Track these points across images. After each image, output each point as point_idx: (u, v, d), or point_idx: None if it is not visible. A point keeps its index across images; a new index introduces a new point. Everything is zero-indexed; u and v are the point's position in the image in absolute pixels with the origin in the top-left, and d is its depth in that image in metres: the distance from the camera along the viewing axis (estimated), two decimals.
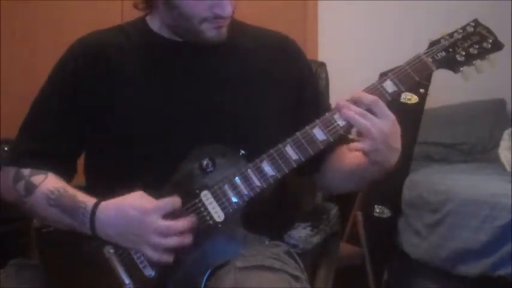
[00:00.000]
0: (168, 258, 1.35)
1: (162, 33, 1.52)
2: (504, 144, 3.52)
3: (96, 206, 1.38)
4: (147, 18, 1.55)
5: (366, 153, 1.37)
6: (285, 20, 3.47)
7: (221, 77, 1.51)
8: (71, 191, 1.43)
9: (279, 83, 1.53)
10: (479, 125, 3.82)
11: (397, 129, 1.37)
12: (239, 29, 1.56)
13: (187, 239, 1.36)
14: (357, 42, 3.79)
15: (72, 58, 1.52)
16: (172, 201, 1.36)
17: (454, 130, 3.76)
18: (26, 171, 1.46)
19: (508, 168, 3.39)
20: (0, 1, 3.11)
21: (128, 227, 1.35)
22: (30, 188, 1.44)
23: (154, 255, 1.35)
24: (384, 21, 3.85)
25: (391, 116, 1.36)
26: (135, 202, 1.36)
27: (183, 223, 1.35)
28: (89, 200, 1.40)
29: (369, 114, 1.35)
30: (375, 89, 1.40)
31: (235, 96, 1.50)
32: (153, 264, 1.37)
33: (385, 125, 1.35)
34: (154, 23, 1.53)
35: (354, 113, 1.35)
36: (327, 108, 1.59)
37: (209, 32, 1.44)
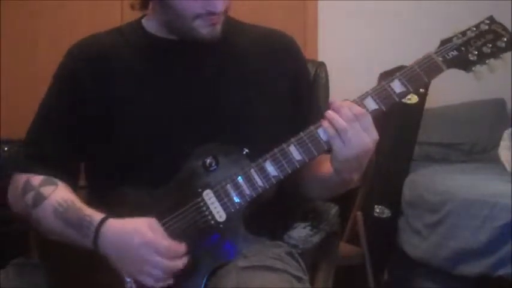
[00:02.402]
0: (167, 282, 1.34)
1: (158, 34, 1.52)
2: (504, 144, 3.52)
3: (102, 221, 1.36)
4: (143, 20, 1.56)
5: (334, 151, 1.35)
6: (285, 20, 3.47)
7: (220, 75, 1.50)
8: (79, 204, 1.40)
9: (278, 80, 1.53)
10: (479, 125, 3.82)
11: (370, 151, 1.35)
12: (236, 27, 1.56)
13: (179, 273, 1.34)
14: (357, 42, 3.79)
15: (71, 61, 1.52)
16: (179, 247, 1.34)
17: (454, 130, 3.76)
18: (37, 181, 1.44)
19: (508, 168, 3.39)
20: (0, 1, 3.11)
21: (128, 252, 1.33)
22: (39, 199, 1.42)
23: (152, 284, 1.33)
24: (384, 21, 3.86)
25: (375, 135, 1.35)
26: (143, 231, 1.33)
27: (180, 263, 1.33)
28: (96, 214, 1.38)
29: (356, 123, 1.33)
30: (383, 90, 1.39)
31: (234, 94, 1.50)
32: None
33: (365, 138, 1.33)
34: (150, 24, 1.53)
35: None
36: (316, 105, 1.59)
37: (202, 29, 1.44)
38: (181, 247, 1.34)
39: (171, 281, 1.34)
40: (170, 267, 1.33)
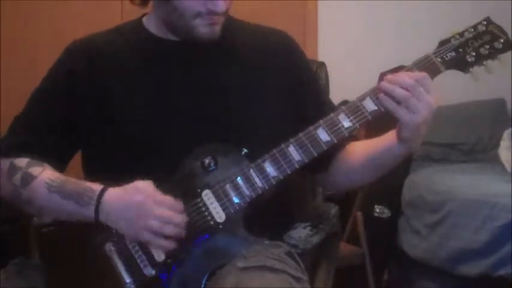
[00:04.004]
0: (167, 244, 1.35)
1: (158, 34, 1.52)
2: (504, 144, 3.52)
3: (104, 190, 1.39)
4: (144, 19, 1.56)
5: (403, 122, 1.35)
6: (285, 20, 3.46)
7: (220, 75, 1.50)
8: (73, 179, 1.43)
9: (279, 80, 1.52)
10: (479, 125, 3.82)
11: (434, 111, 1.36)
12: (237, 27, 1.56)
13: (182, 233, 1.36)
14: (357, 42, 3.78)
15: (68, 59, 1.53)
16: (177, 203, 1.37)
17: (454, 130, 3.76)
18: (23, 163, 1.45)
19: (508, 168, 3.39)
20: (0, 1, 3.11)
21: (130, 210, 1.35)
22: (28, 178, 1.43)
23: (153, 241, 1.35)
24: (384, 21, 3.85)
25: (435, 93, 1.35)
26: (143, 188, 1.36)
27: (182, 217, 1.36)
28: (95, 185, 1.40)
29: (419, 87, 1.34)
30: None
31: (234, 94, 1.49)
32: (153, 263, 1.37)
33: (432, 100, 1.34)
34: (151, 24, 1.53)
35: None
36: (329, 104, 1.59)
37: (202, 28, 1.43)
38: (179, 203, 1.36)
39: (171, 245, 1.35)
40: (171, 217, 1.34)
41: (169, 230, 1.35)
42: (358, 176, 1.55)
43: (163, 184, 1.41)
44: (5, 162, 1.47)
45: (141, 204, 1.34)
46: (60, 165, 1.51)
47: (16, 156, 1.47)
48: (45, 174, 1.44)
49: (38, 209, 1.45)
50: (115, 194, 1.38)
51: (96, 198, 1.38)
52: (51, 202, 1.42)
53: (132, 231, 1.36)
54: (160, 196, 1.36)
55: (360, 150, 1.52)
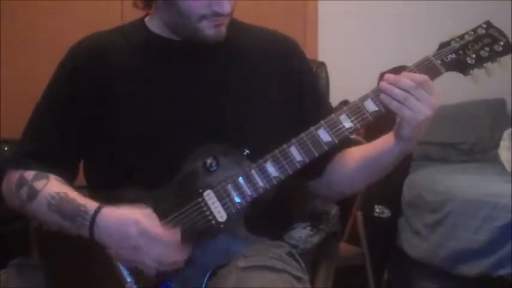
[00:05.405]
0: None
1: (161, 34, 1.52)
2: (504, 144, 3.52)
3: (98, 210, 1.37)
4: (146, 19, 1.55)
5: (406, 120, 1.36)
6: (285, 20, 3.47)
7: (222, 76, 1.50)
8: (72, 195, 1.41)
9: (280, 83, 1.52)
10: (479, 125, 3.83)
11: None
12: (240, 28, 1.56)
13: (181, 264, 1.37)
14: (357, 42, 3.79)
15: (71, 60, 1.53)
16: (174, 234, 1.36)
17: (454, 130, 3.77)
18: (29, 176, 1.45)
19: (508, 168, 3.39)
20: (0, 1, 3.12)
21: (125, 241, 1.34)
22: (33, 193, 1.43)
23: (148, 270, 1.35)
24: (384, 21, 3.86)
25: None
26: (139, 220, 1.34)
27: (181, 255, 1.36)
28: (90, 204, 1.38)
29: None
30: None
31: (236, 95, 1.50)
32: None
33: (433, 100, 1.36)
34: (153, 24, 1.53)
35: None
36: (328, 109, 1.59)
37: (207, 30, 1.43)
38: (177, 234, 1.35)
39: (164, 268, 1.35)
40: (167, 255, 1.34)
41: (165, 268, 1.35)
42: (355, 181, 1.54)
43: (164, 185, 1.41)
44: (15, 174, 1.47)
45: (136, 238, 1.33)
46: (70, 171, 1.51)
47: (26, 166, 1.47)
48: (47, 188, 1.43)
49: (42, 223, 1.45)
50: (109, 220, 1.36)
51: (90, 221, 1.36)
52: (52, 219, 1.41)
53: (126, 258, 1.35)
54: (157, 232, 1.34)
55: (357, 153, 1.51)
